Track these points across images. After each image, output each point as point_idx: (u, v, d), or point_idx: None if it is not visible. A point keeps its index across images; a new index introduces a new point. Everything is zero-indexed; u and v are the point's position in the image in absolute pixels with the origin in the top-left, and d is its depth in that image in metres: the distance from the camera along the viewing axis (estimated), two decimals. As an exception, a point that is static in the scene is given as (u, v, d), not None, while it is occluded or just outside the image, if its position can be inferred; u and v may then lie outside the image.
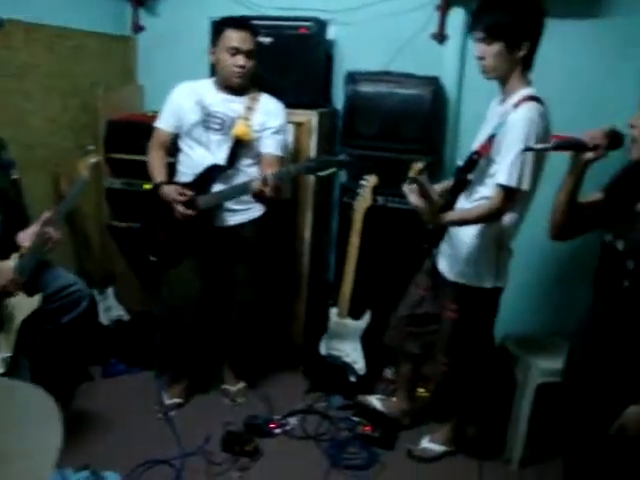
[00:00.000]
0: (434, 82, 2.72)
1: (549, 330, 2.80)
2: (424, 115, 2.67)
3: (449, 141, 2.95)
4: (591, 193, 1.74)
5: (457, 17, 2.81)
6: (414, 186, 2.08)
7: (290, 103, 2.60)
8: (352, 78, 2.77)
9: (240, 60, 2.37)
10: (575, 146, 1.56)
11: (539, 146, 1.61)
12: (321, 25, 2.81)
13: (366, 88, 2.73)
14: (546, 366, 2.41)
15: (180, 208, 2.41)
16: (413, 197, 2.08)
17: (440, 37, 2.84)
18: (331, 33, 2.94)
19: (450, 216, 2.11)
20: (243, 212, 2.55)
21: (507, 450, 2.55)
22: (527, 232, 2.22)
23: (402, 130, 2.70)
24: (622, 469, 1.66)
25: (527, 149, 1.80)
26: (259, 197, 2.33)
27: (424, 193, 2.06)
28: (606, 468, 1.69)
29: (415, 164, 2.25)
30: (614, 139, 1.54)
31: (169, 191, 2.43)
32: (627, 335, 1.60)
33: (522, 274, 2.89)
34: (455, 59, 2.83)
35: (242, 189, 2.37)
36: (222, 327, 2.79)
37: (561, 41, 2.55)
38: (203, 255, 2.58)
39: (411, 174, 2.18)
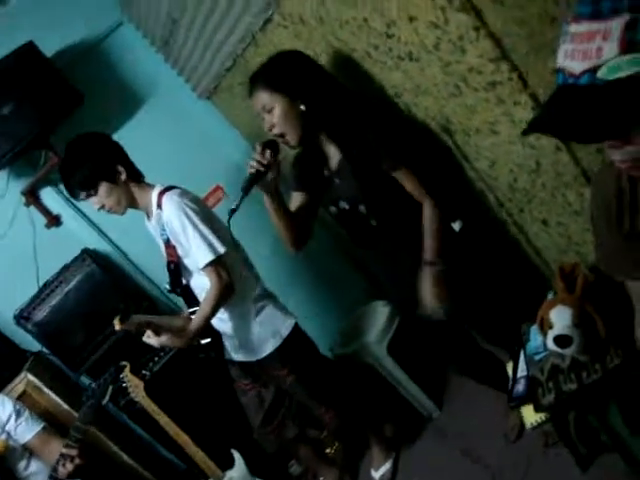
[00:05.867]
0: (87, 254, 2.69)
1: (352, 312, 3.01)
2: (107, 284, 2.65)
3: (150, 281, 2.94)
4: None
5: (51, 195, 2.81)
6: (148, 332, 2.02)
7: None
8: (23, 319, 2.59)
9: None
10: (255, 179, 1.67)
11: (237, 203, 1.66)
12: None
13: (41, 313, 2.59)
14: (378, 330, 2.58)
15: None
16: (154, 340, 2.03)
17: (54, 221, 2.79)
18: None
19: (194, 326, 2.06)
20: None
21: (421, 410, 2.65)
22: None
23: (104, 311, 2.57)
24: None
25: (233, 212, 1.68)
26: None
27: (156, 328, 2.02)
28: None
29: (114, 321, 2.14)
30: (271, 147, 1.68)
31: None
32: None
33: (298, 292, 3.03)
34: (84, 223, 2.83)
35: None
36: None
37: (146, 138, 2.81)
38: None
39: (117, 328, 2.10)
